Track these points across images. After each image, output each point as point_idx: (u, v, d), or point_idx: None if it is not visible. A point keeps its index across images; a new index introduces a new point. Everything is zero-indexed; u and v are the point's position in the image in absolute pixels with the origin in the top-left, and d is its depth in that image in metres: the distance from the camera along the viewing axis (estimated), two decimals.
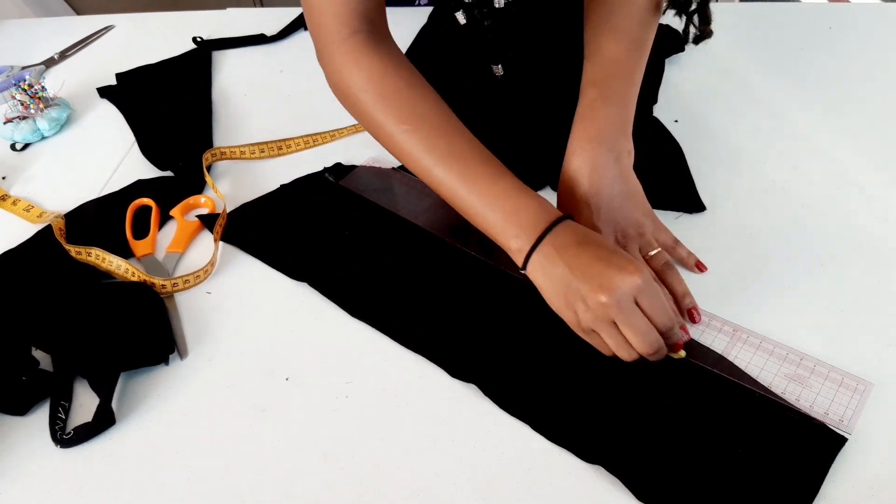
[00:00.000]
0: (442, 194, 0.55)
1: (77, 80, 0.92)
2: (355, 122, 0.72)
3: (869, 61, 0.78)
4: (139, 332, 0.56)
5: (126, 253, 0.65)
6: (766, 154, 0.68)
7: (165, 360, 0.55)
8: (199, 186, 0.72)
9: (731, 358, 0.51)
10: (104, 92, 0.89)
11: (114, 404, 0.52)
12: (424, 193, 0.65)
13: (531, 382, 0.50)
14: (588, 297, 0.47)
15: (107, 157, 0.79)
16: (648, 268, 0.53)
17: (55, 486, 0.48)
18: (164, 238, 0.67)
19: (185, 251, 0.65)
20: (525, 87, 0.75)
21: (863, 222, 0.60)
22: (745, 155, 0.68)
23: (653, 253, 0.55)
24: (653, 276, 0.54)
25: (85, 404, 0.53)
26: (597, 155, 0.55)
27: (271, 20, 0.99)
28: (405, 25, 0.90)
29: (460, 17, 0.69)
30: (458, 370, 0.52)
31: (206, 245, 0.66)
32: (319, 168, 0.72)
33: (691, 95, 0.76)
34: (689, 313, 0.53)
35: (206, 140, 0.79)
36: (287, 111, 0.82)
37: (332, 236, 0.64)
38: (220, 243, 0.65)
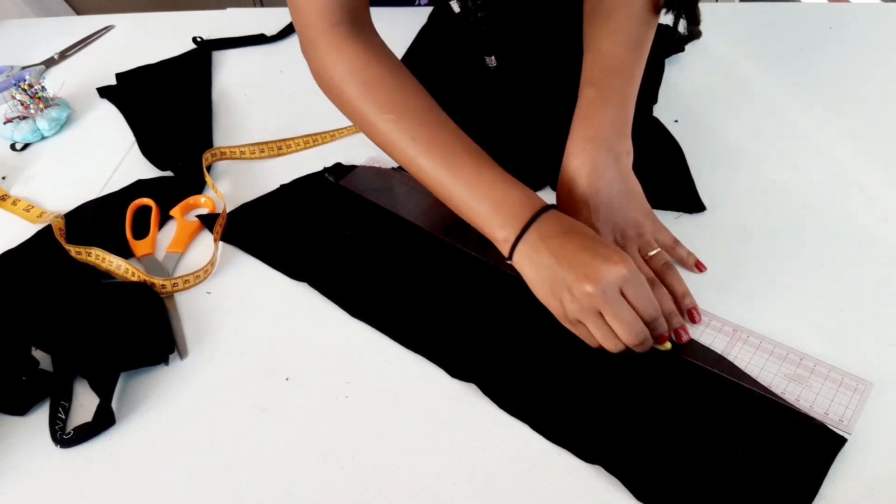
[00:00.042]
0: (426, 184, 0.55)
1: (77, 80, 0.92)
2: None
3: (869, 61, 0.78)
4: (139, 332, 0.56)
5: (126, 253, 0.65)
6: (766, 154, 0.68)
7: (165, 360, 0.55)
8: (199, 186, 0.72)
9: (731, 358, 0.51)
10: (104, 92, 0.89)
11: (114, 404, 0.52)
12: (424, 193, 0.65)
13: (531, 382, 0.50)
14: (574, 287, 0.47)
15: (107, 157, 0.79)
16: (632, 258, 0.53)
17: (55, 486, 0.48)
18: (164, 238, 0.67)
19: (185, 251, 0.65)
20: (519, 80, 0.75)
21: (863, 222, 0.60)
22: (745, 155, 0.68)
23: (652, 253, 0.55)
24: (650, 270, 0.54)
25: (85, 404, 0.53)
26: (596, 155, 0.55)
27: (271, 20, 0.99)
28: (405, 25, 0.90)
29: (454, 6, 0.70)
30: (458, 370, 0.52)
31: (206, 245, 0.66)
32: (319, 168, 0.72)
33: (691, 95, 0.76)
34: (689, 313, 0.53)
35: (206, 140, 0.79)
36: (287, 111, 0.82)
37: (332, 236, 0.64)
38: (220, 243, 0.65)
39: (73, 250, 0.63)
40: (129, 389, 0.53)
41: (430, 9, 0.93)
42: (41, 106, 0.82)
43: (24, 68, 0.96)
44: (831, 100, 0.73)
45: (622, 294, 0.47)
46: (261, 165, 0.75)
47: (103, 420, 0.50)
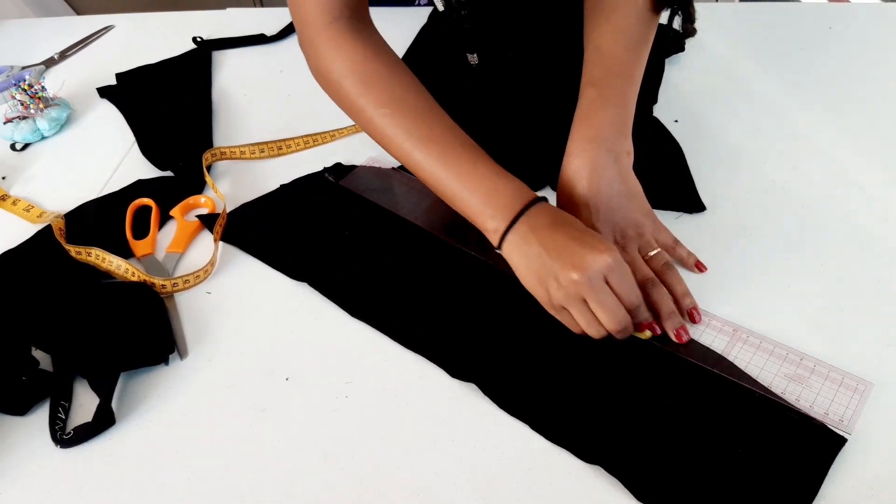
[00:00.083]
0: (421, 177, 0.56)
1: (77, 80, 0.92)
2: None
3: (869, 61, 0.78)
4: (139, 332, 0.56)
5: (126, 253, 0.65)
6: (766, 154, 0.68)
7: (165, 360, 0.55)
8: (199, 186, 0.72)
9: (731, 358, 0.51)
10: (104, 92, 0.89)
11: (114, 404, 0.52)
12: (424, 193, 0.65)
13: (531, 382, 0.50)
14: (560, 275, 0.48)
15: (107, 157, 0.79)
16: (633, 259, 0.54)
17: (55, 486, 0.48)
18: (164, 238, 0.67)
19: (185, 251, 0.65)
20: (518, 80, 0.75)
21: (863, 222, 0.60)
22: (745, 155, 0.68)
23: (652, 253, 0.55)
24: (650, 270, 0.54)
25: (85, 404, 0.53)
26: (596, 155, 0.55)
27: (271, 20, 0.99)
28: (405, 25, 0.90)
29: (438, 4, 0.70)
30: (458, 370, 0.52)
31: (206, 245, 0.66)
32: (319, 168, 0.72)
33: (691, 95, 0.76)
34: (690, 313, 0.53)
35: (206, 140, 0.79)
36: (287, 111, 0.82)
37: (332, 236, 0.64)
38: (220, 243, 0.65)
39: (73, 250, 0.63)
40: (129, 389, 0.53)
41: (430, 9, 0.93)
42: (41, 106, 0.82)
43: (24, 68, 0.96)
44: (831, 100, 0.73)
45: (606, 282, 0.48)
46: (261, 165, 0.75)
47: (103, 420, 0.50)
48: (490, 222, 0.52)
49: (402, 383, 0.52)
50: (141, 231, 0.67)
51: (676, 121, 0.72)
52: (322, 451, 0.48)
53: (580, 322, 0.50)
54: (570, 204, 0.56)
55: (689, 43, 0.82)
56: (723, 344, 0.52)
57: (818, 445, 0.45)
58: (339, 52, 0.57)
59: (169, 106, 0.85)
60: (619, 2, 0.60)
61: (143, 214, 0.69)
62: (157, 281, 0.60)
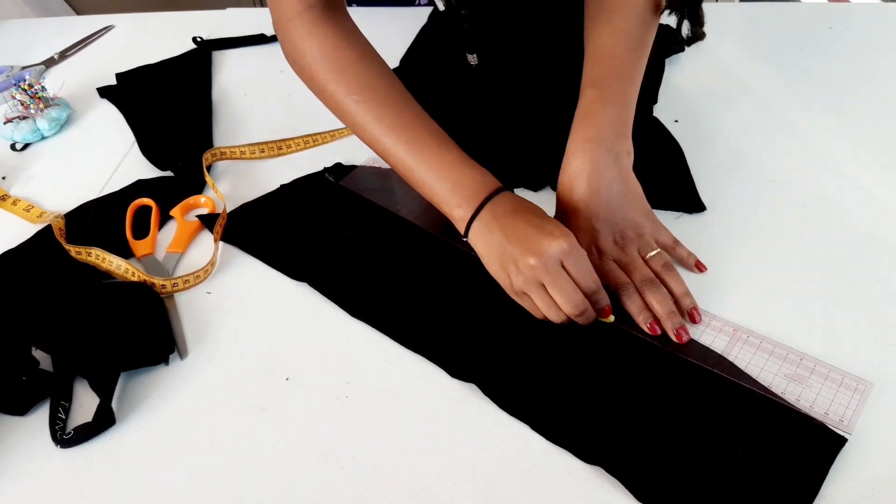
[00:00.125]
0: (391, 164, 0.58)
1: (77, 80, 0.92)
2: None
3: (869, 61, 0.78)
4: (139, 332, 0.56)
5: (126, 253, 0.65)
6: (766, 154, 0.68)
7: (165, 360, 0.55)
8: (199, 186, 0.72)
9: (731, 358, 0.51)
10: (104, 92, 0.89)
11: (114, 404, 0.52)
12: None
13: (531, 382, 0.50)
14: (519, 261, 0.50)
15: (107, 157, 0.79)
16: (632, 260, 0.55)
17: (55, 486, 0.48)
18: (164, 238, 0.67)
19: (185, 251, 0.65)
20: (518, 80, 0.75)
21: (863, 222, 0.60)
22: (745, 155, 0.68)
23: (652, 254, 0.55)
24: (649, 271, 0.55)
25: (85, 404, 0.53)
26: (596, 156, 0.55)
27: (271, 20, 0.99)
28: (405, 25, 0.90)
29: (439, 3, 0.70)
30: (458, 370, 0.52)
31: (206, 245, 0.66)
32: (319, 168, 0.72)
33: (691, 95, 0.76)
34: (690, 313, 0.53)
35: (206, 140, 0.79)
36: (287, 111, 0.82)
37: (332, 236, 0.64)
38: (220, 243, 0.65)
39: (73, 250, 0.63)
40: (129, 389, 0.53)
41: (430, 9, 0.93)
42: (41, 106, 0.82)
43: (24, 68, 0.96)
44: (831, 100, 0.73)
45: (564, 268, 0.50)
46: (261, 165, 0.75)
47: (103, 420, 0.50)
48: (457, 211, 0.54)
49: (402, 383, 0.52)
50: (141, 231, 0.67)
51: (676, 121, 0.72)
52: (322, 451, 0.48)
53: (540, 306, 0.51)
54: (570, 204, 0.56)
55: (693, 44, 0.82)
56: (723, 344, 0.52)
57: (818, 445, 0.45)
58: (311, 39, 0.58)
59: (169, 106, 0.85)
60: (619, 2, 0.60)
61: (143, 214, 0.69)
62: (157, 281, 0.60)
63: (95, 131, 0.84)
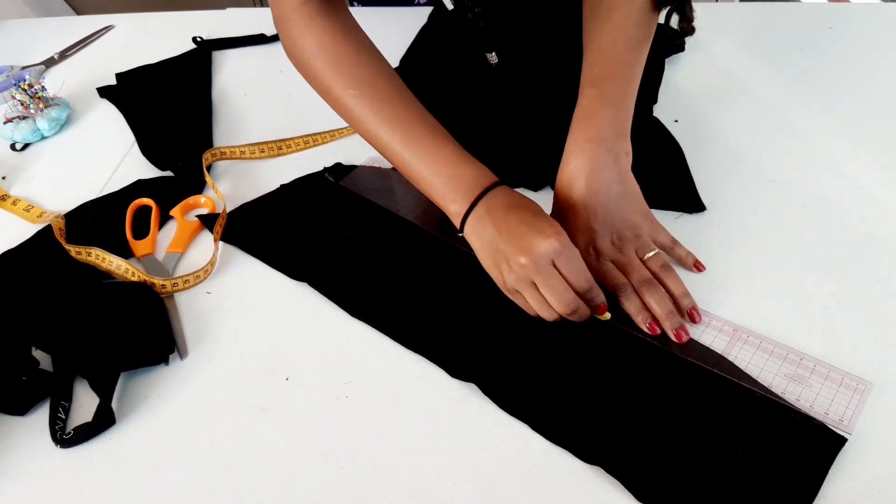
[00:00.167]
0: (388, 158, 0.58)
1: (77, 80, 0.92)
2: None
3: (869, 61, 0.78)
4: (139, 332, 0.56)
5: (126, 253, 0.65)
6: (766, 154, 0.68)
7: (165, 360, 0.55)
8: (199, 186, 0.72)
9: (731, 358, 0.51)
10: (104, 92, 0.89)
11: (114, 404, 0.52)
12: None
13: (531, 382, 0.50)
14: (511, 258, 0.50)
15: (107, 157, 0.79)
16: (629, 261, 0.55)
17: (55, 486, 0.48)
18: (164, 238, 0.67)
19: (185, 251, 0.65)
20: (522, 76, 0.75)
21: (863, 222, 0.60)
22: (745, 155, 0.68)
23: (650, 255, 0.55)
24: (648, 272, 0.55)
25: (85, 404, 0.53)
26: (596, 156, 0.55)
27: (271, 20, 0.99)
28: (405, 25, 0.90)
29: (447, 3, 0.70)
30: (458, 370, 0.52)
31: (206, 245, 0.66)
32: (319, 168, 0.72)
33: (691, 95, 0.76)
34: (689, 313, 0.53)
35: (206, 140, 0.79)
36: (287, 111, 0.82)
37: (332, 236, 0.64)
38: (220, 243, 0.65)
39: (73, 250, 0.63)
40: (129, 389, 0.53)
41: (430, 9, 0.93)
42: (41, 106, 0.82)
43: (24, 68, 0.96)
44: (831, 100, 0.73)
45: (556, 266, 0.50)
46: (261, 165, 0.75)
47: (103, 420, 0.50)
48: (452, 206, 0.54)
49: (402, 383, 0.52)
50: (141, 231, 0.67)
51: (676, 121, 0.72)
52: (322, 451, 0.48)
53: (532, 304, 0.51)
54: (568, 204, 0.56)
55: (689, 43, 0.82)
56: (723, 344, 0.52)
57: (818, 445, 0.45)
58: (310, 33, 0.58)
59: (169, 106, 0.85)
60: (618, 1, 0.59)
61: (143, 214, 0.69)
62: (157, 281, 0.60)
63: (95, 131, 0.84)
